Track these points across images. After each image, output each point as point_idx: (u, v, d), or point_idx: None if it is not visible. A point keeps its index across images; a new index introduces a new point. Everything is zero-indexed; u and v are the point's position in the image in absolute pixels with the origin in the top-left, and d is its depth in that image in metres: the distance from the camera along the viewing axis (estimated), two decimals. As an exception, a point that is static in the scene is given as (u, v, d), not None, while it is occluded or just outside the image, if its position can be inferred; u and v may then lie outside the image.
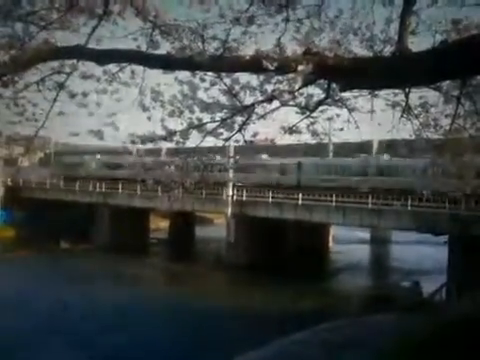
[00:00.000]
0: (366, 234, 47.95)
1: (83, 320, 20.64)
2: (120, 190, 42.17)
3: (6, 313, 20.69)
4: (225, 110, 5.65)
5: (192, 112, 5.59)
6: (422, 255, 38.53)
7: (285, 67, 4.98)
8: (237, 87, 5.55)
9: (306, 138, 6.45)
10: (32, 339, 18.29)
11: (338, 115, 6.13)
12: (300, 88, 5.24)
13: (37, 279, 27.47)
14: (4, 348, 16.72)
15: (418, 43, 5.54)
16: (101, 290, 25.29)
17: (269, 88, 5.45)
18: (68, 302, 22.51)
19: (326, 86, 5.55)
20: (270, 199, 33.72)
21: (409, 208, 27.43)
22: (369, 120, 6.83)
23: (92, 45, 5.46)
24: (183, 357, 17.38)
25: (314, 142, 6.59)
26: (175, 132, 5.68)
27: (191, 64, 5.18)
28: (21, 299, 23.08)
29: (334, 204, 30.73)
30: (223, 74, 5.51)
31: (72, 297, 23.34)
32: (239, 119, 5.80)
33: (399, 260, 39.31)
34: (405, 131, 7.17)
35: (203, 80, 5.53)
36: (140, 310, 22.07)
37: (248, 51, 5.25)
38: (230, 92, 5.56)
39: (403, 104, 6.74)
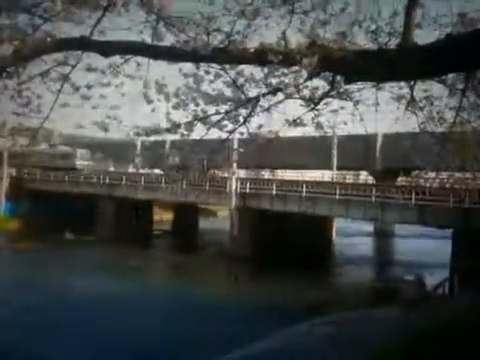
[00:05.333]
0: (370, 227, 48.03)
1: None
2: (124, 182, 42.25)
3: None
4: (229, 102, 5.65)
5: (197, 104, 5.59)
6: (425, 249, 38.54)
7: (290, 60, 4.96)
8: (242, 80, 5.54)
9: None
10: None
11: (342, 107, 6.11)
12: (305, 81, 5.23)
13: (38, 270, 27.49)
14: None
15: (424, 36, 5.51)
16: (102, 281, 25.26)
17: (274, 81, 5.44)
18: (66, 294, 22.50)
19: (331, 79, 5.52)
20: (274, 191, 33.78)
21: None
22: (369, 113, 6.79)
23: (96, 37, 5.45)
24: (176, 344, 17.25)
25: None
26: (179, 124, 5.69)
27: (196, 56, 5.17)
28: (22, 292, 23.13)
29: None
30: (227, 66, 5.50)
31: (70, 289, 23.31)
32: (243, 111, 5.80)
33: (402, 253, 39.31)
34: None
35: (208, 73, 5.52)
36: (139, 301, 21.95)
37: (253, 44, 5.23)
38: (235, 84, 5.56)
39: (408, 97, 6.70)
